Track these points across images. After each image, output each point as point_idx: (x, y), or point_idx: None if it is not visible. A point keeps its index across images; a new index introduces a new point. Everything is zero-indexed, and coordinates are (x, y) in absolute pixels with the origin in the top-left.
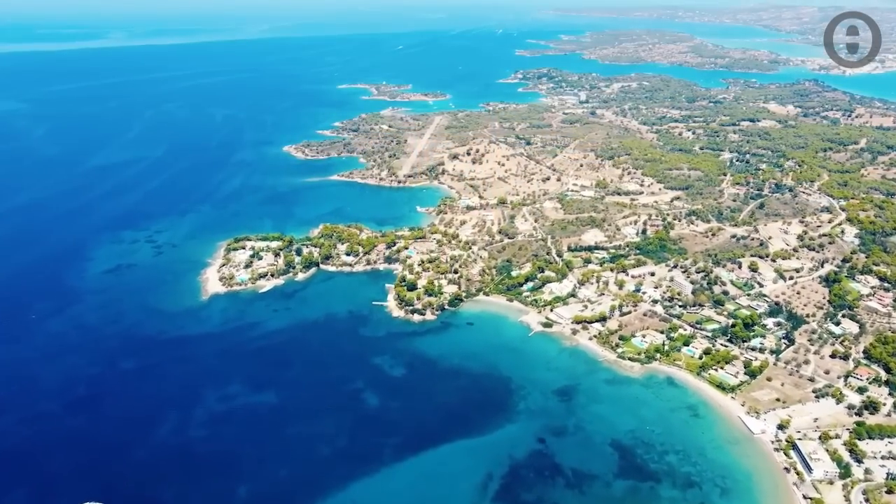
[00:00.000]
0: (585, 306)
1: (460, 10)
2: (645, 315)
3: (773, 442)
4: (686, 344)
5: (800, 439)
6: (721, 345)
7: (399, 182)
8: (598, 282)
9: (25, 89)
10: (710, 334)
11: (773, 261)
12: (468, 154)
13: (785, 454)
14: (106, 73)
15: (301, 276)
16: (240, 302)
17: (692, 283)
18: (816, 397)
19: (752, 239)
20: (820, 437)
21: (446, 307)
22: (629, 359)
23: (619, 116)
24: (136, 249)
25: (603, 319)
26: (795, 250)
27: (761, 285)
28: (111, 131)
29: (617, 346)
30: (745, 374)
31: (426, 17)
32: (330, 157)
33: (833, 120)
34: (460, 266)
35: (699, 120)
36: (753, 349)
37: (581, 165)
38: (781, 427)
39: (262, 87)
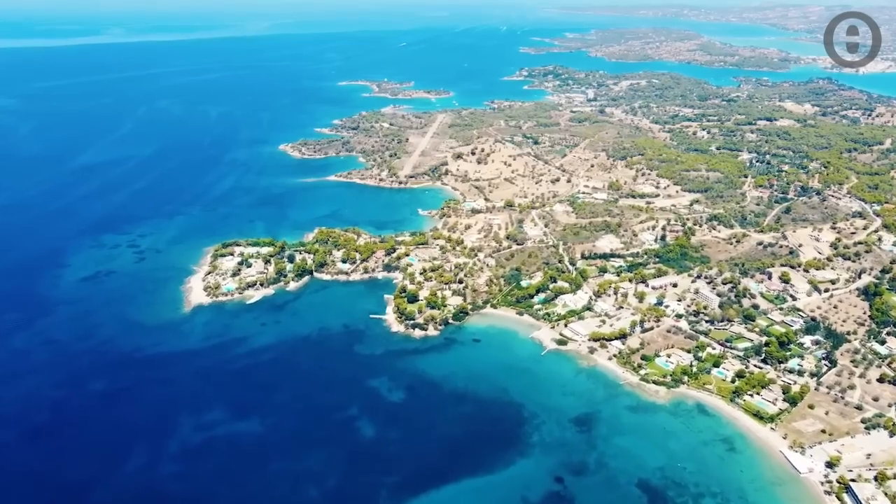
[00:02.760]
0: (603, 321)
1: (463, 7)
2: (669, 331)
3: (822, 483)
4: (716, 365)
5: (853, 480)
6: (755, 366)
7: (400, 183)
8: (615, 294)
9: (15, 85)
10: (741, 354)
11: (806, 271)
12: (473, 153)
13: (838, 498)
14: (101, 69)
15: (293, 286)
16: (225, 314)
17: (719, 295)
18: (866, 428)
19: (781, 246)
20: (876, 478)
21: (450, 321)
22: (654, 382)
23: (630, 115)
24: (116, 255)
25: (623, 336)
26: (829, 259)
27: (794, 298)
28: (101, 128)
29: (639, 367)
30: (784, 400)
31: (429, 15)
32: (328, 156)
33: (853, 119)
34: (465, 275)
35: (713, 119)
36: (791, 371)
37: (592, 166)
38: (831, 465)
39: (260, 83)
